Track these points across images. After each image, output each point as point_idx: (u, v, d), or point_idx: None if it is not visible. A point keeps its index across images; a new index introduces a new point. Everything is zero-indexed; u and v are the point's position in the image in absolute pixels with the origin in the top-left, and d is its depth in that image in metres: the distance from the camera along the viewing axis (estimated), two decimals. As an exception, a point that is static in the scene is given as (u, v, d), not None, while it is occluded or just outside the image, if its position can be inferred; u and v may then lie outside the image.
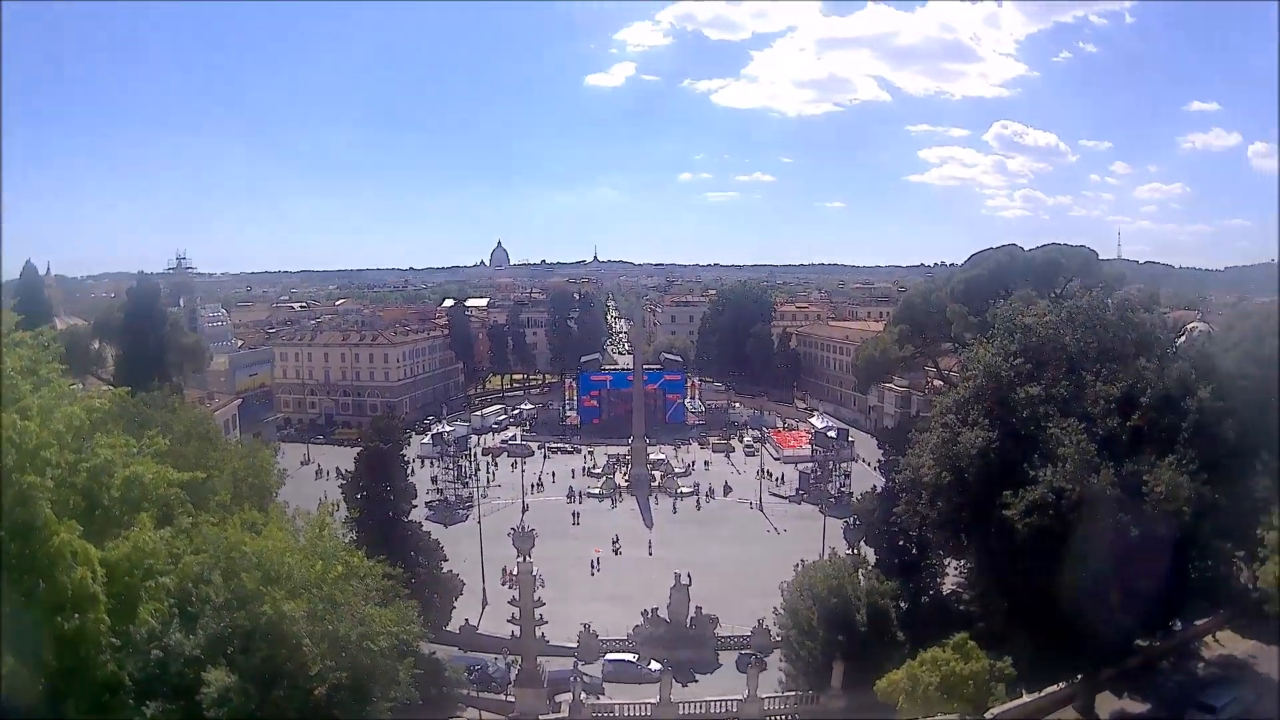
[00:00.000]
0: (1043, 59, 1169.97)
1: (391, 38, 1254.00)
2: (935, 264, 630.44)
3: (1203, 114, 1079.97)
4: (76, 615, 36.47)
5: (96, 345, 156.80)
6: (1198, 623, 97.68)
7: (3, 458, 34.58)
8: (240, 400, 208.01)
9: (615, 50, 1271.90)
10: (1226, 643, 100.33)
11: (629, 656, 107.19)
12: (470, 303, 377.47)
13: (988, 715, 75.12)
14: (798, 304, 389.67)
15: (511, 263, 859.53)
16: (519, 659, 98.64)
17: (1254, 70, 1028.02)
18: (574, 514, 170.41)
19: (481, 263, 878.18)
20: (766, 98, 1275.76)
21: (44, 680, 36.87)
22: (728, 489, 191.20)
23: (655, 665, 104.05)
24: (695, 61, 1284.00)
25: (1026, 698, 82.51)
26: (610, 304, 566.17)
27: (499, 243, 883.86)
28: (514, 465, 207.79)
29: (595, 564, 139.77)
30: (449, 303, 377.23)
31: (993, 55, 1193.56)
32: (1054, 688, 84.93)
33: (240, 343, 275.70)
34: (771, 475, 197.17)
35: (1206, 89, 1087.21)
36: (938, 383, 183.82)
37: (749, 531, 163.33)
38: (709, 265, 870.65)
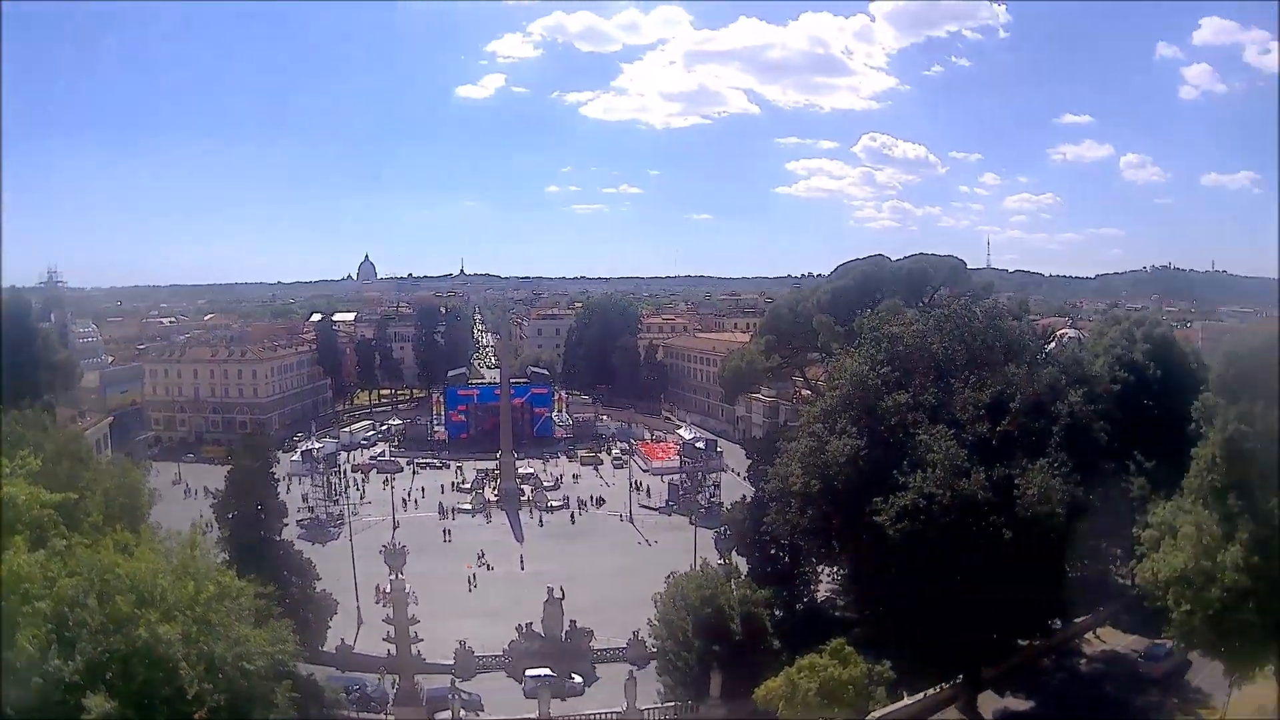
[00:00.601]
0: (914, 72, 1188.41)
1: (260, 45, 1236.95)
2: (803, 275, 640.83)
3: (1075, 126, 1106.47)
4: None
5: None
6: (1078, 620, 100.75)
7: None
8: (111, 418, 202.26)
9: (485, 62, 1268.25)
10: (1108, 638, 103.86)
11: (547, 671, 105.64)
12: (338, 317, 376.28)
13: (869, 719, 76.08)
14: (664, 316, 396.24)
15: (379, 276, 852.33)
16: (397, 678, 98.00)
17: (1127, 84, 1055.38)
18: (445, 530, 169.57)
19: (349, 276, 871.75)
20: (635, 110, 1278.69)
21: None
22: (598, 502, 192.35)
23: (578, 678, 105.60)
24: (565, 73, 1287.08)
25: (908, 700, 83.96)
26: (477, 317, 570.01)
27: (366, 256, 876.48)
28: (384, 482, 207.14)
29: (472, 580, 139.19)
30: (317, 317, 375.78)
31: (864, 69, 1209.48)
32: (935, 689, 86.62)
33: (111, 359, 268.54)
34: (641, 487, 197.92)
35: (1079, 102, 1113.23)
36: (805, 392, 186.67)
37: (620, 544, 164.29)
38: (576, 278, 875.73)
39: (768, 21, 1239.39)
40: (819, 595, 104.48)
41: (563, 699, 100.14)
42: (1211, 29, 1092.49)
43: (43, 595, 42.07)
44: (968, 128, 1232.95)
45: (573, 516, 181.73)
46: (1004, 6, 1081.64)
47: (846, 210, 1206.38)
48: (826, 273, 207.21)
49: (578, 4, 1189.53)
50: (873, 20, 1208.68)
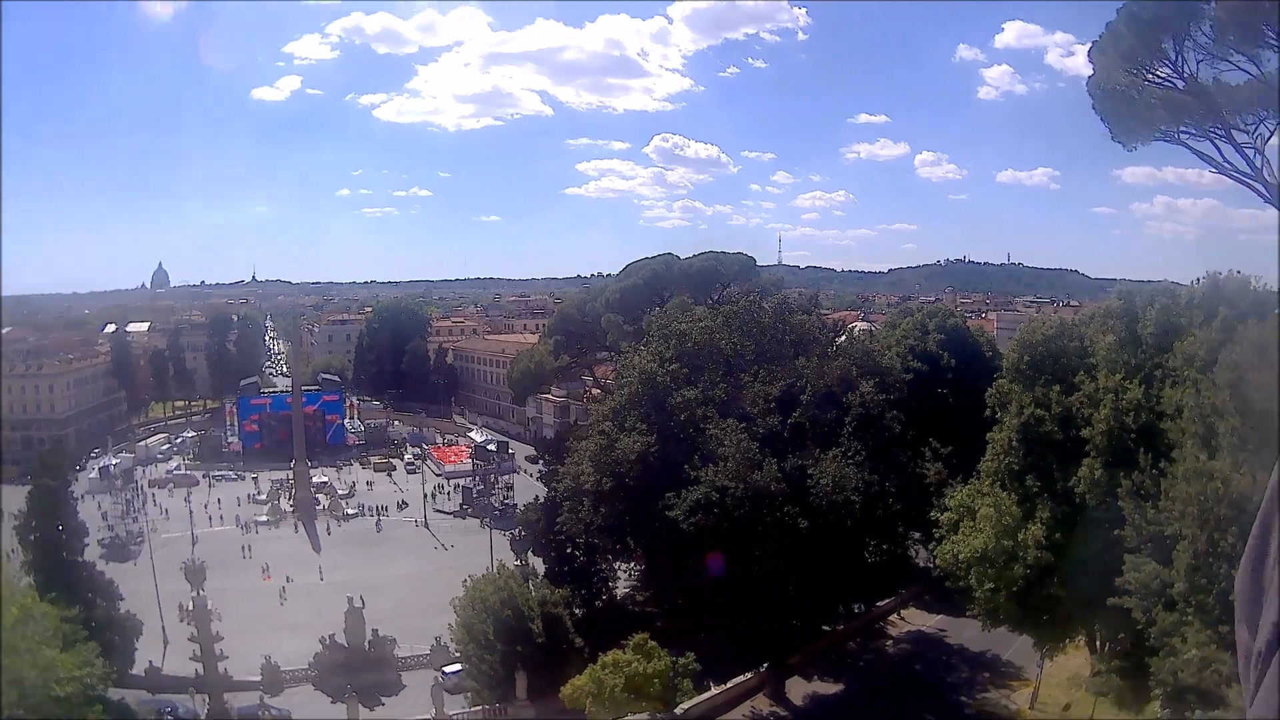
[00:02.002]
0: (709, 74, 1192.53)
1: (44, 40, 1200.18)
2: (592, 275, 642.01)
3: (871, 126, 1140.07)
4: None
5: None
6: (881, 603, 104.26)
7: None
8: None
9: (283, 63, 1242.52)
10: (913, 619, 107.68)
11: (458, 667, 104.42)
12: (131, 327, 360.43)
13: (678, 711, 78.46)
14: (454, 319, 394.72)
15: (172, 284, 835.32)
16: (207, 698, 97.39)
17: (926, 85, 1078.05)
18: (244, 543, 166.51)
19: (143, 285, 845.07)
20: (428, 112, 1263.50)
21: None
22: (391, 508, 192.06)
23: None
24: (361, 75, 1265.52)
25: (715, 690, 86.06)
26: (269, 325, 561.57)
27: (160, 264, 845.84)
28: (181, 496, 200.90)
29: (282, 593, 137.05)
30: (111, 328, 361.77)
31: (659, 70, 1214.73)
32: (742, 678, 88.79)
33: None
34: (435, 492, 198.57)
35: (876, 103, 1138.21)
36: (595, 391, 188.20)
37: (417, 549, 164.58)
38: (366, 282, 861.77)
39: (565, 24, 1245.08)
40: (618, 592, 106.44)
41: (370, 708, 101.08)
42: (1015, 32, 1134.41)
43: None
44: (761, 128, 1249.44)
45: (379, 524, 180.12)
46: (804, 10, 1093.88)
47: (637, 210, 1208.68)
48: (617, 273, 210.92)
49: (377, 5, 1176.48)
50: (670, 23, 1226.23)
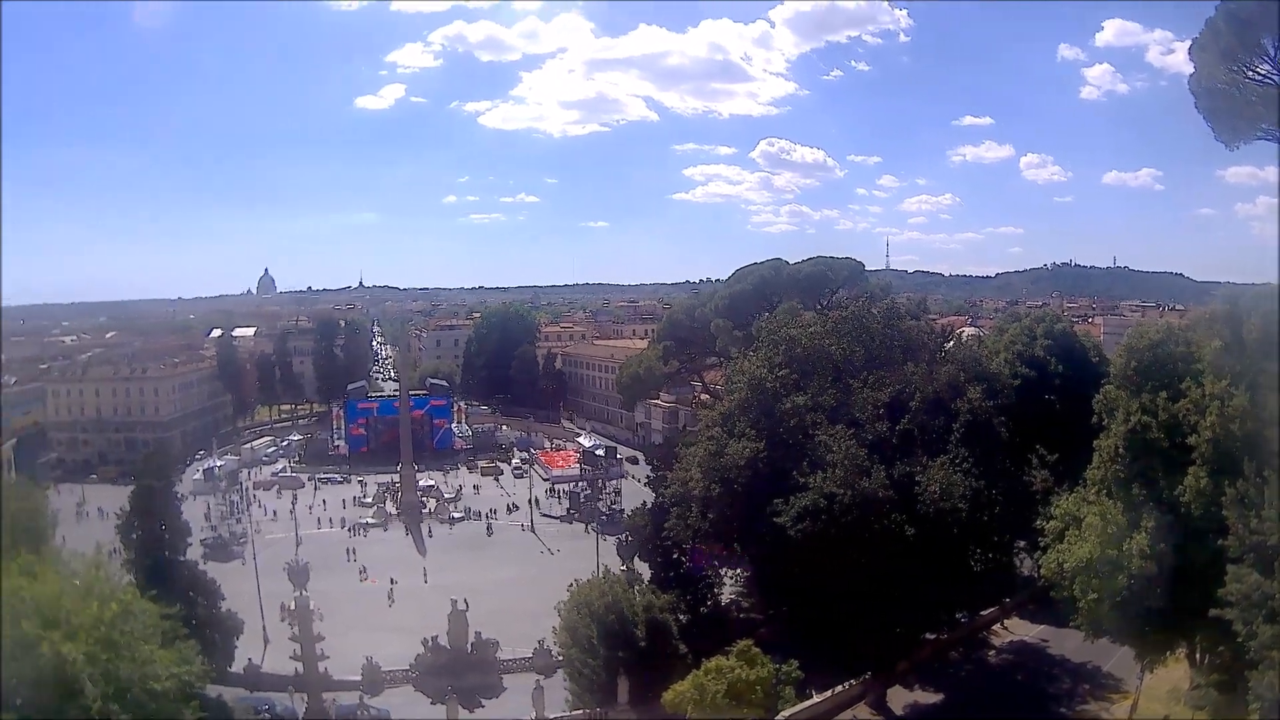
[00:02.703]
0: (813, 78, 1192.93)
1: (157, 54, 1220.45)
2: (700, 280, 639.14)
3: (975, 128, 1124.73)
4: None
5: None
6: (984, 612, 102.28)
7: None
8: (13, 440, 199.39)
9: (385, 72, 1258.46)
10: (1016, 629, 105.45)
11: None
12: (237, 332, 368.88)
13: (779, 718, 77.18)
14: (562, 324, 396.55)
15: (279, 290, 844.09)
16: (305, 696, 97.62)
17: (1028, 86, 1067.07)
18: (348, 545, 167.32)
19: (249, 290, 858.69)
20: (533, 119, 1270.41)
21: None
22: (499, 512, 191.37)
23: None
24: (465, 83, 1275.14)
25: (817, 698, 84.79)
26: (376, 330, 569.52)
27: (266, 270, 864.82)
28: (286, 498, 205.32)
29: (390, 595, 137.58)
30: (217, 333, 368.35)
31: (763, 75, 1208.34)
32: (843, 686, 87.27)
33: (13, 380, 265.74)
34: (542, 496, 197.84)
35: (980, 104, 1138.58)
36: (704, 397, 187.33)
37: (522, 553, 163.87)
38: (474, 288, 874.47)
39: (668, 29, 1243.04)
40: (723, 598, 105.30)
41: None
42: (1114, 30, 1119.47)
43: (-52, 621, 42.05)
44: (867, 131, 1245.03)
45: (489, 528, 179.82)
46: (905, 11, 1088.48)
47: (744, 215, 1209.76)
48: (725, 278, 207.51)
49: (479, 13, 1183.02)
50: (772, 26, 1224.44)
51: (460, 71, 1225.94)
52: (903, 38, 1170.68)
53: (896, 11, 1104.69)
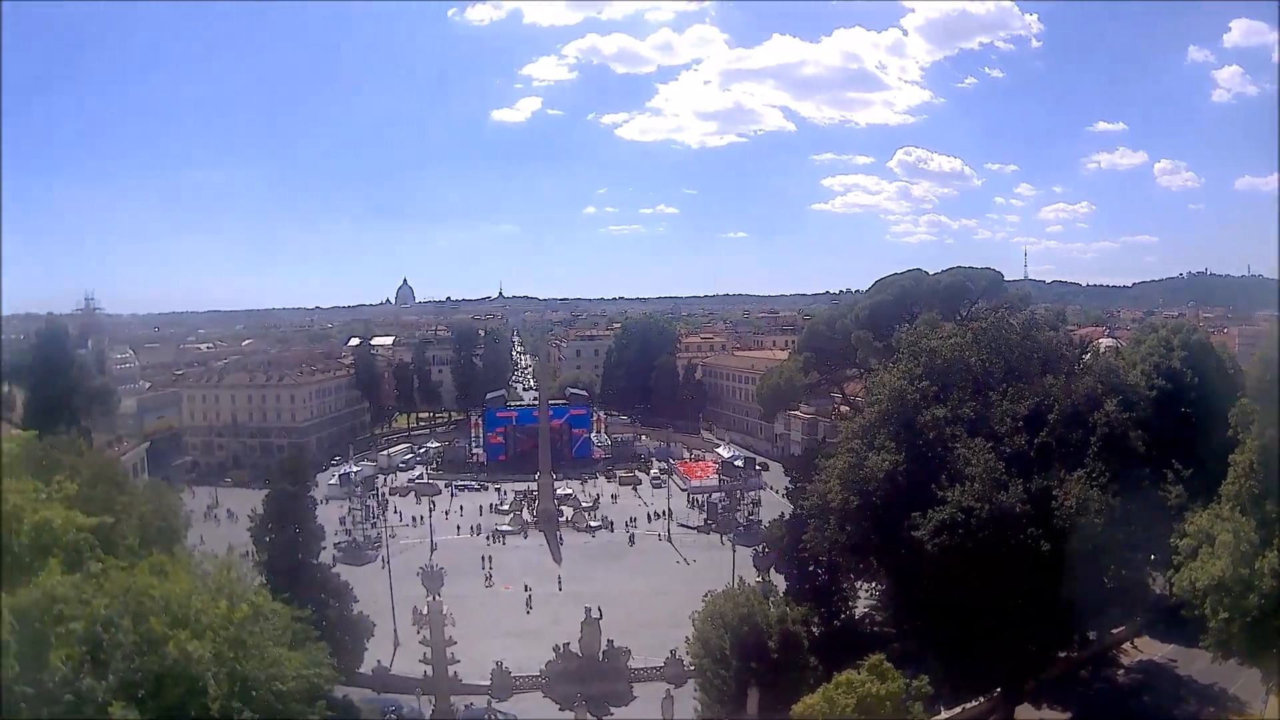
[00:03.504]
0: (947, 85, 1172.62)
1: (294, 75, 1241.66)
2: (840, 291, 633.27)
3: (1108, 134, 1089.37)
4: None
5: (6, 388, 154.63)
6: (1115, 631, 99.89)
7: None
8: (148, 443, 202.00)
9: (521, 85, 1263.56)
10: (1145, 648, 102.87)
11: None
12: (376, 341, 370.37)
13: (907, 734, 75.94)
14: (702, 335, 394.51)
15: (417, 300, 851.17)
16: (433, 699, 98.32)
17: (1159, 89, 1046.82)
18: (483, 552, 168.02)
19: (387, 300, 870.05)
20: (670, 130, 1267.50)
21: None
22: (635, 521, 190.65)
23: None
24: (601, 95, 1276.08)
25: (945, 714, 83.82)
26: (515, 340, 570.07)
27: (404, 280, 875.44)
28: (422, 504, 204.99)
29: (528, 602, 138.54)
30: (355, 341, 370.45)
31: (898, 83, 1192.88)
32: (973, 703, 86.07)
33: (148, 385, 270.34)
34: (679, 507, 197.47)
35: (1112, 109, 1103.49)
36: (844, 409, 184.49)
37: (658, 563, 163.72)
38: (613, 299, 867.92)
39: (801, 38, 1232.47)
40: (857, 611, 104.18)
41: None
42: (1241, 30, 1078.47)
43: (76, 616, 42.11)
44: (1002, 139, 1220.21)
45: (632, 538, 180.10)
46: (1035, 16, 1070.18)
47: (883, 225, 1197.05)
48: (864, 288, 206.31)
49: (612, 25, 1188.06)
50: (905, 34, 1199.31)
51: (596, 84, 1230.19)
52: (1034, 43, 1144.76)
53: (1027, 16, 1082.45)
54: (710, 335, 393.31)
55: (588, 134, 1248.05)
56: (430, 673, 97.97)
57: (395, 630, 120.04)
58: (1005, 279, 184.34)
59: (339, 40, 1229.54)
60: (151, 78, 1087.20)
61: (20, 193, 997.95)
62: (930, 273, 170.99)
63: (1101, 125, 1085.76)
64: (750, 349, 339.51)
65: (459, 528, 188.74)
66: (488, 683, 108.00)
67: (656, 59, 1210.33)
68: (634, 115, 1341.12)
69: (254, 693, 46.48)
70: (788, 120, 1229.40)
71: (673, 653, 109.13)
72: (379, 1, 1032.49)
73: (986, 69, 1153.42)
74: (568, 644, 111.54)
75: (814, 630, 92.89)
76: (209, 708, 43.04)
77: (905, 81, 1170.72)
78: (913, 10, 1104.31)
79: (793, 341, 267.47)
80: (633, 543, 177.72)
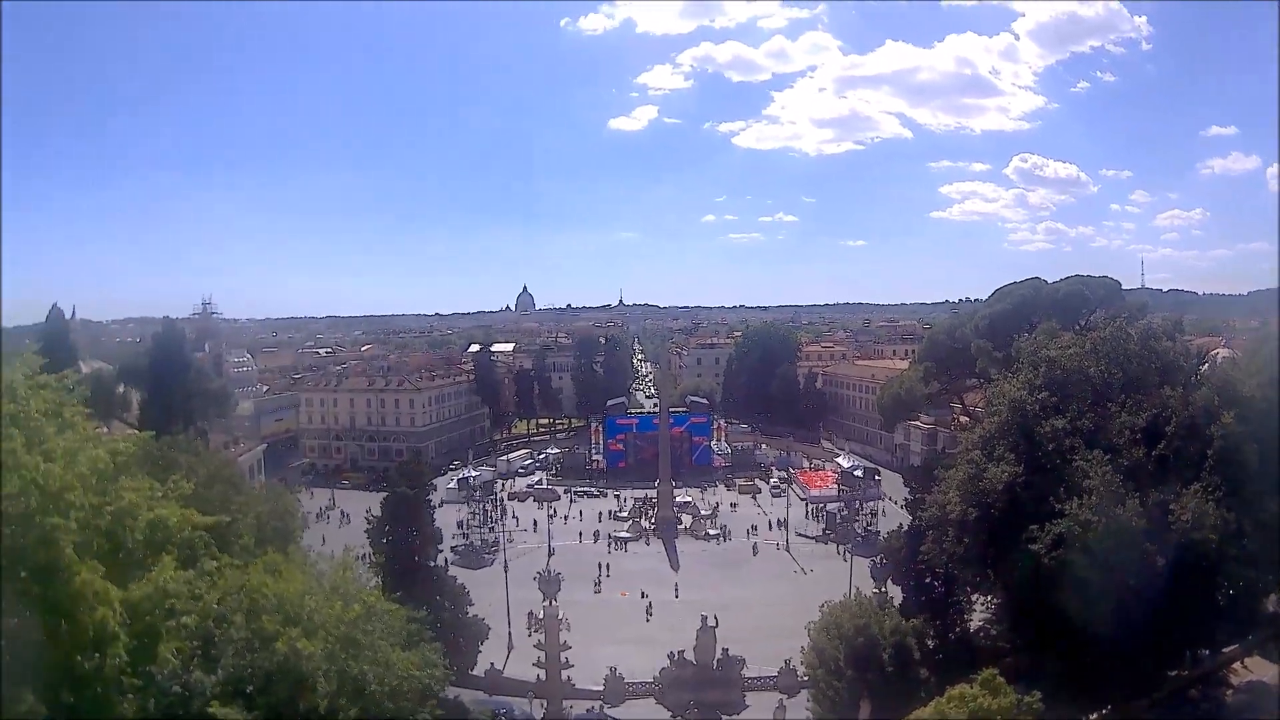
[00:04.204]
0: (1061, 90, 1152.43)
1: (415, 84, 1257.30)
2: (959, 300, 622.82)
3: (1221, 138, 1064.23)
4: (96, 654, 36.58)
5: (122, 389, 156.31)
6: (1225, 650, 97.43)
7: (25, 500, 34.73)
8: (265, 445, 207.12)
9: (636, 94, 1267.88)
10: (1255, 669, 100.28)
11: None
12: (496, 347, 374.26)
13: (1015, 750, 75.18)
14: (823, 344, 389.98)
15: (537, 307, 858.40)
16: (545, 703, 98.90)
17: (1270, 91, 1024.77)
18: (600, 558, 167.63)
19: (507, 307, 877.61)
20: (787, 138, 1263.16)
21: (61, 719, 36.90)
22: (754, 530, 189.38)
23: None
24: (716, 103, 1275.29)
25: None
26: (636, 347, 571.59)
27: (525, 287, 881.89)
28: (541, 510, 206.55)
29: (648, 610, 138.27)
30: (475, 348, 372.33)
31: (1011, 88, 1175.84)
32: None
33: (266, 388, 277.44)
34: (798, 516, 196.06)
35: (1225, 112, 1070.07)
36: (963, 419, 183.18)
37: (776, 572, 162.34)
38: (734, 307, 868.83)
39: (914, 44, 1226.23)
40: (971, 625, 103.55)
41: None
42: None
43: (189, 611, 42.67)
44: (1116, 144, 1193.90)
45: (755, 547, 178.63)
46: (1144, 18, 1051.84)
47: (1001, 233, 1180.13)
48: (983, 297, 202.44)
49: (726, 34, 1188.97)
50: (1017, 39, 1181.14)
51: (711, 92, 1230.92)
52: (1144, 45, 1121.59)
53: (1136, 19, 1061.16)
54: (831, 344, 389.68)
55: (705, 142, 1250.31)
56: (543, 676, 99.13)
57: (510, 634, 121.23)
58: (1122, 288, 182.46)
59: (459, 49, 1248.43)
60: (278, 86, 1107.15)
61: (138, 198, 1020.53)
62: (1049, 281, 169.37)
63: (1214, 129, 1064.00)
64: (870, 358, 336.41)
65: (580, 534, 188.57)
66: (600, 688, 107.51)
67: (771, 66, 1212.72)
68: (750, 123, 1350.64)
69: (365, 691, 47.65)
70: (904, 127, 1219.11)
71: (787, 662, 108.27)
72: (493, 3, 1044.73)
73: (1098, 73, 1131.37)
74: (682, 651, 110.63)
75: (928, 643, 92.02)
76: (317, 705, 43.69)
77: (1019, 87, 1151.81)
78: (1023, 14, 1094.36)
79: (912, 350, 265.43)
80: (747, 551, 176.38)
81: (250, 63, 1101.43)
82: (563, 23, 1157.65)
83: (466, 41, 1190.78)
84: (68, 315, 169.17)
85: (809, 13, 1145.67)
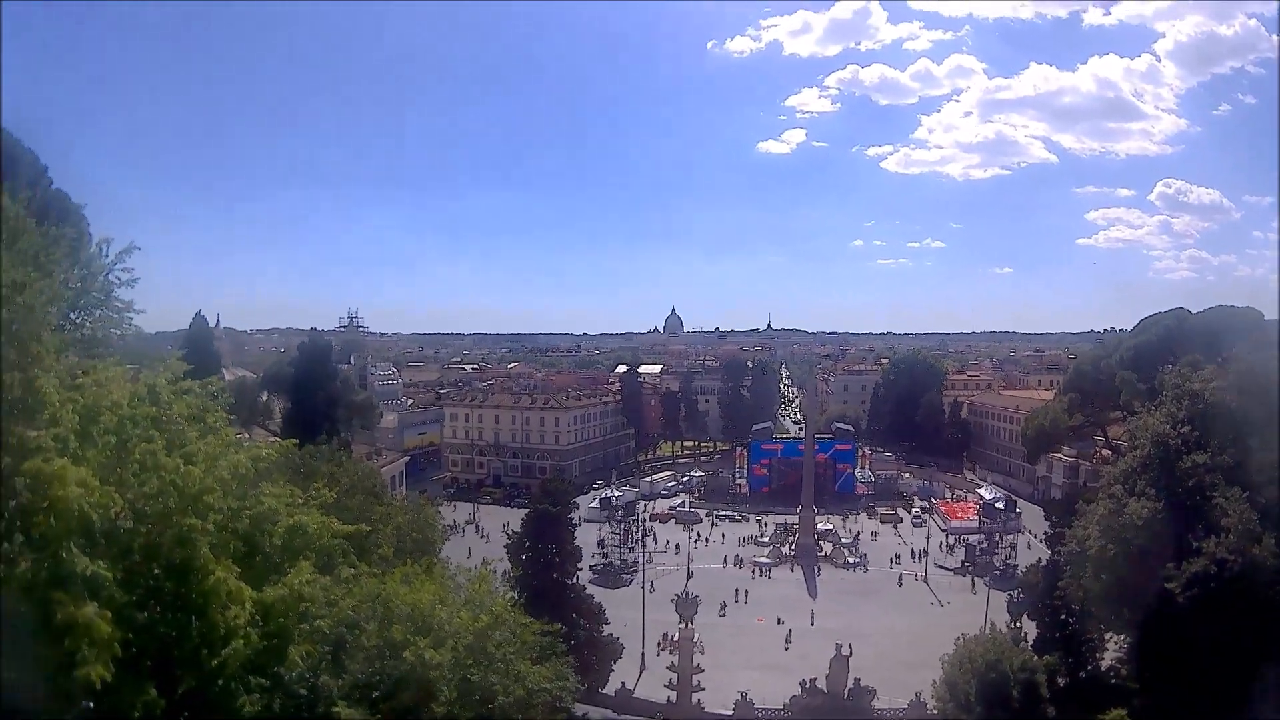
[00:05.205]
0: (1203, 112, 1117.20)
1: (568, 107, 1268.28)
2: (1105, 329, 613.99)
3: None
4: (224, 651, 37.45)
5: (264, 397, 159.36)
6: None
7: (163, 501, 35.59)
8: (408, 457, 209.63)
9: (785, 117, 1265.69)
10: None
11: None
12: (643, 369, 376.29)
13: (1136, 791, 74.43)
14: (969, 373, 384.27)
15: (685, 329, 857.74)
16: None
17: None
18: (739, 582, 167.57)
19: (655, 329, 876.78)
20: (935, 162, 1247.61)
21: (185, 714, 37.71)
22: (893, 560, 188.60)
23: None
24: (864, 126, 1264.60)
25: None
26: (783, 372, 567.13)
27: (673, 310, 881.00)
28: (683, 532, 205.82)
29: (787, 638, 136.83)
30: (622, 369, 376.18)
31: (1154, 111, 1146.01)
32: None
33: (410, 402, 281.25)
34: (938, 547, 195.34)
35: None
36: (1106, 452, 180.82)
37: (912, 603, 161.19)
38: (881, 333, 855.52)
39: (1057, 67, 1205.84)
40: (1103, 663, 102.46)
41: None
42: None
43: (322, 615, 43.52)
44: (1259, 168, 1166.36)
45: (900, 577, 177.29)
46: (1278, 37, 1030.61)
47: (1146, 261, 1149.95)
48: (1128, 327, 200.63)
49: (871, 56, 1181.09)
50: (1158, 60, 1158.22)
51: (858, 115, 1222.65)
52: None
53: (1275, 37, 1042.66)
54: (977, 373, 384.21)
55: (853, 166, 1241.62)
56: (674, 698, 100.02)
57: (643, 654, 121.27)
58: (1265, 319, 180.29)
59: (610, 73, 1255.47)
60: (436, 107, 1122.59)
61: (289, 212, 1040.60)
62: (1193, 312, 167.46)
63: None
64: (1015, 388, 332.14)
65: (725, 559, 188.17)
66: (729, 712, 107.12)
67: (917, 89, 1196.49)
68: (898, 147, 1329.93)
69: (491, 704, 48.10)
70: (1049, 151, 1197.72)
71: (918, 695, 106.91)
72: (640, 26, 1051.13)
73: (1240, 95, 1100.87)
74: (814, 679, 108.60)
75: (1059, 681, 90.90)
76: (438, 713, 44.32)
77: (1161, 109, 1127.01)
78: (1163, 35, 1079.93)
79: (1057, 381, 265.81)
80: (886, 581, 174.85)
81: (411, 82, 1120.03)
82: (709, 44, 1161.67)
83: (618, 66, 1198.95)
84: (211, 323, 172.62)
85: (953, 35, 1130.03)
